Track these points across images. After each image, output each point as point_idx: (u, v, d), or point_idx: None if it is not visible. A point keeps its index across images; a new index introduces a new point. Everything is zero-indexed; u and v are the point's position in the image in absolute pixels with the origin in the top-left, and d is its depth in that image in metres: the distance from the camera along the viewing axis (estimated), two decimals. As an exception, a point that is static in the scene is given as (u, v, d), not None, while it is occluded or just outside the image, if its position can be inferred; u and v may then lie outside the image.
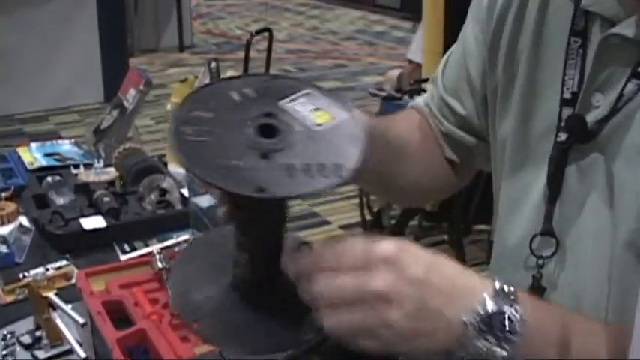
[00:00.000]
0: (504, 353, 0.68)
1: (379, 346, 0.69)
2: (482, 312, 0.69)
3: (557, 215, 0.86)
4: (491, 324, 0.68)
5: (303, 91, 0.76)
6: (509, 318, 0.69)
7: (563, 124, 0.84)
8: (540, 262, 0.87)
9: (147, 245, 1.40)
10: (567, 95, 0.84)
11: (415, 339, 0.69)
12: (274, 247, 0.75)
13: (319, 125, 0.73)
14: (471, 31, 0.99)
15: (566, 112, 0.84)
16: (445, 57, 1.07)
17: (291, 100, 0.74)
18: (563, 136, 0.84)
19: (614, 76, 0.80)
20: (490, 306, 0.69)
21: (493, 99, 0.96)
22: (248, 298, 0.77)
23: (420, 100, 1.11)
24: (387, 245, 0.70)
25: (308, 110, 0.74)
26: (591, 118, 0.82)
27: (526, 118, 0.90)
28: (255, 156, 0.69)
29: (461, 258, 3.47)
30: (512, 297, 0.69)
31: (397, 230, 3.48)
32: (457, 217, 3.51)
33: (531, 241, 0.88)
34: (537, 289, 0.88)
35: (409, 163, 1.04)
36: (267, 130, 0.71)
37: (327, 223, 3.83)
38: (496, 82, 0.95)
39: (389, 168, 1.01)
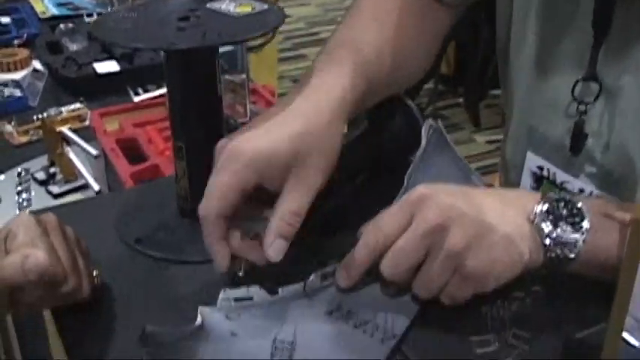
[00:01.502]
0: (582, 241, 0.65)
1: (467, 288, 0.66)
2: (547, 204, 0.66)
3: (602, 58, 0.81)
4: (560, 213, 0.66)
5: None
6: (573, 203, 0.66)
7: None
8: (582, 107, 0.84)
9: (160, 88, 1.37)
10: None
11: (492, 257, 0.65)
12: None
13: (239, 13, 0.78)
14: None
15: None
16: None
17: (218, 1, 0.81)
18: None
19: None
20: (553, 196, 0.66)
21: None
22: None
23: None
24: (413, 195, 0.66)
25: (232, 6, 0.80)
26: None
27: None
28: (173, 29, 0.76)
29: (476, 122, 3.45)
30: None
31: (412, 93, 3.42)
32: (473, 80, 3.45)
33: (574, 87, 0.84)
34: (579, 136, 0.85)
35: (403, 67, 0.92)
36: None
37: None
38: None
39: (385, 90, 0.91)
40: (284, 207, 0.68)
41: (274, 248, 0.68)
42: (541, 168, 0.92)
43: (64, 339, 0.70)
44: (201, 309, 0.65)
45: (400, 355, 0.66)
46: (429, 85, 3.58)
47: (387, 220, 0.67)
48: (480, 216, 0.65)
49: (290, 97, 0.74)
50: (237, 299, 0.68)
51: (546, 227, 0.65)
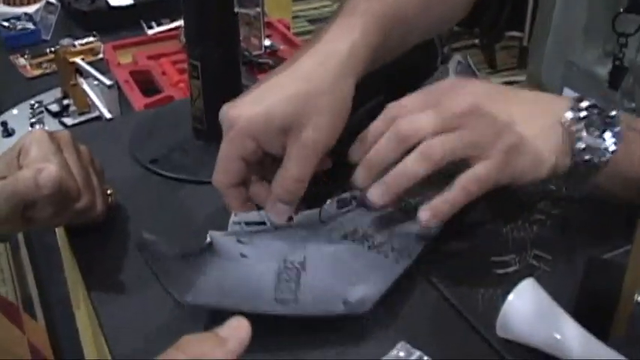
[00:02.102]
0: (612, 150, 0.63)
1: (492, 165, 0.62)
2: (579, 107, 0.63)
3: None
4: (593, 119, 0.63)
5: None
6: (607, 111, 0.64)
7: None
8: (623, 40, 0.81)
9: (174, 22, 1.35)
10: None
11: (522, 151, 0.62)
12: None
13: None
14: None
15: None
16: None
17: None
18: None
19: None
20: (585, 102, 0.64)
21: None
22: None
23: None
24: (445, 82, 0.64)
25: None
26: None
27: None
28: None
29: (492, 64, 3.41)
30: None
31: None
32: (489, 22, 3.40)
33: (614, 19, 0.81)
34: (619, 68, 0.83)
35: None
36: None
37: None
38: None
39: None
40: (283, 173, 0.65)
41: (276, 212, 0.66)
42: None
43: (79, 260, 0.70)
44: (211, 232, 0.64)
45: (421, 276, 0.65)
46: (445, 26, 3.54)
47: (412, 99, 0.65)
48: (507, 115, 0.62)
49: (297, 55, 0.69)
50: (248, 223, 0.67)
51: (578, 131, 0.63)
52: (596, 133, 0.63)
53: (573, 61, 0.90)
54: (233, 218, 0.67)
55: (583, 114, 0.63)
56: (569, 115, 0.63)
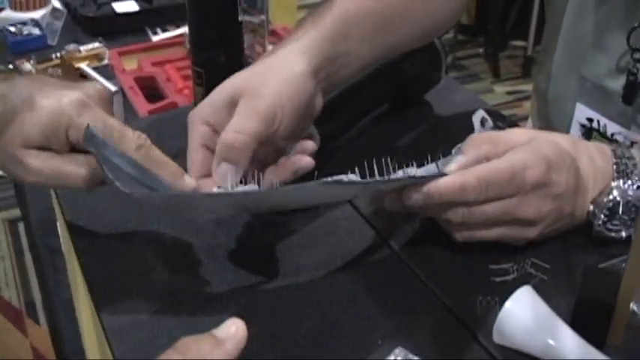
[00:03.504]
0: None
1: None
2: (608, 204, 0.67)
3: None
4: (616, 211, 0.67)
5: None
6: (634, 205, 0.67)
7: None
8: (638, 55, 0.82)
9: (179, 28, 1.36)
10: None
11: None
12: None
13: None
14: None
15: None
16: None
17: None
18: None
19: None
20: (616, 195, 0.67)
21: None
22: None
23: None
24: (536, 171, 0.63)
25: None
26: None
27: None
28: None
29: (496, 72, 3.42)
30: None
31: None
32: (493, 31, 3.42)
33: (629, 34, 0.81)
34: (633, 85, 0.83)
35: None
36: None
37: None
38: None
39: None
40: (226, 128, 0.66)
41: (219, 172, 0.66)
42: (590, 120, 0.90)
43: (81, 262, 0.70)
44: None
45: (420, 283, 0.66)
46: (449, 35, 3.54)
47: (495, 183, 0.63)
48: (562, 213, 0.67)
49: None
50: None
51: (598, 221, 0.68)
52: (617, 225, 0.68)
53: (586, 76, 0.89)
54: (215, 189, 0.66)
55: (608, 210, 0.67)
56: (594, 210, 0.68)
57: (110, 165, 0.60)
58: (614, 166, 0.68)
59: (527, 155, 0.64)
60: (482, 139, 0.67)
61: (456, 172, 0.63)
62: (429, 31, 0.86)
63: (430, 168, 0.66)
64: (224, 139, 0.65)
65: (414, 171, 0.65)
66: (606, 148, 0.70)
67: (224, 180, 0.65)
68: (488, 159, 0.65)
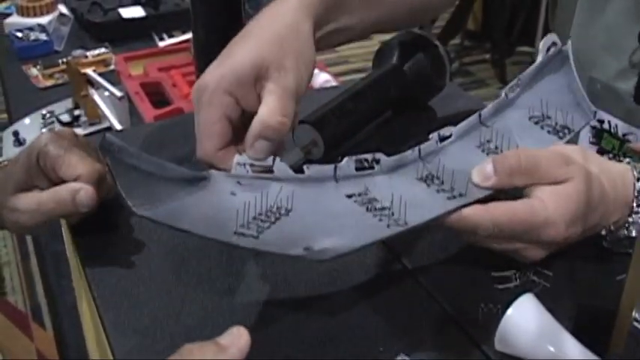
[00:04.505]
0: None
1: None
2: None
3: None
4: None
5: None
6: None
7: None
8: None
9: (185, 34, 1.37)
10: None
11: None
12: None
13: None
14: None
15: None
16: None
17: None
18: None
19: None
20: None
21: None
22: None
23: None
24: (553, 232, 0.62)
25: None
26: None
27: None
28: None
29: (502, 78, 3.41)
30: None
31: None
32: (500, 37, 3.42)
33: None
34: None
35: None
36: None
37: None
38: None
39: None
40: (262, 108, 0.65)
41: (256, 150, 0.64)
42: (601, 121, 0.90)
43: (83, 264, 0.70)
44: (212, 171, 0.62)
45: (422, 290, 0.66)
46: (456, 41, 3.55)
47: (513, 226, 0.62)
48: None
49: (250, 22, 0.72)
50: (253, 165, 0.63)
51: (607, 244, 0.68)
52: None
53: (597, 78, 0.89)
54: (237, 159, 0.63)
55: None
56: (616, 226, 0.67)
57: (124, 179, 0.60)
58: (636, 197, 0.66)
59: (551, 213, 0.61)
60: (519, 163, 0.64)
61: (474, 206, 0.61)
62: (416, 10, 0.85)
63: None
64: (269, 122, 0.64)
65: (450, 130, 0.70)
66: (629, 175, 0.67)
67: (261, 154, 0.64)
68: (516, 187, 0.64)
